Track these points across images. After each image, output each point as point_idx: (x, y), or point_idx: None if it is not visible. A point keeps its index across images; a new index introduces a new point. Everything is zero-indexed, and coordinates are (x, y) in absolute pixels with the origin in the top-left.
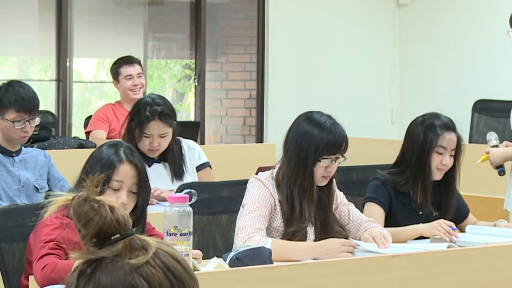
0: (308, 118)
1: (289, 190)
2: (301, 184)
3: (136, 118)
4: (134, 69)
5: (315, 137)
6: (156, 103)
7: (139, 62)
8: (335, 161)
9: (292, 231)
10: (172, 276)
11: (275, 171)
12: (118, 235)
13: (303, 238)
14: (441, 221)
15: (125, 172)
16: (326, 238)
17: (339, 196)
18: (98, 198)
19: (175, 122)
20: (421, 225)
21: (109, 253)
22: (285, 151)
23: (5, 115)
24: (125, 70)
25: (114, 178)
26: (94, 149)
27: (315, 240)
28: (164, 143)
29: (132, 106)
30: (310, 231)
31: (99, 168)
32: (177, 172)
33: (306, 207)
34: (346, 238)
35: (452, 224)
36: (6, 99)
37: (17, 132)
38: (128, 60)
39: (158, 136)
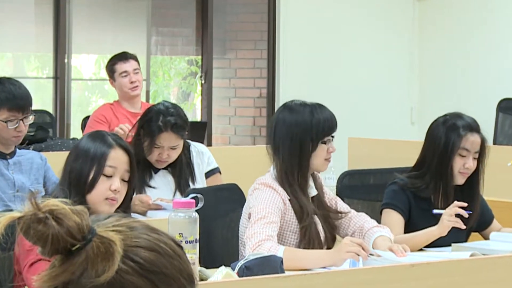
0: (289, 109)
1: (292, 187)
2: (302, 176)
3: (146, 127)
4: (130, 65)
5: (309, 122)
6: (170, 113)
7: (135, 58)
8: (332, 141)
9: (306, 226)
10: (149, 273)
11: (272, 174)
12: (78, 245)
13: (317, 235)
14: (447, 211)
15: (117, 158)
16: (330, 230)
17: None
18: (44, 209)
19: (187, 133)
20: (433, 227)
21: (72, 272)
22: (276, 149)
23: None
24: (120, 66)
25: (107, 164)
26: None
27: (325, 235)
28: (174, 155)
29: (143, 113)
30: (319, 227)
31: (90, 161)
32: (182, 186)
33: (306, 201)
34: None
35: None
36: None
37: (10, 132)
38: (122, 56)
39: (168, 148)
